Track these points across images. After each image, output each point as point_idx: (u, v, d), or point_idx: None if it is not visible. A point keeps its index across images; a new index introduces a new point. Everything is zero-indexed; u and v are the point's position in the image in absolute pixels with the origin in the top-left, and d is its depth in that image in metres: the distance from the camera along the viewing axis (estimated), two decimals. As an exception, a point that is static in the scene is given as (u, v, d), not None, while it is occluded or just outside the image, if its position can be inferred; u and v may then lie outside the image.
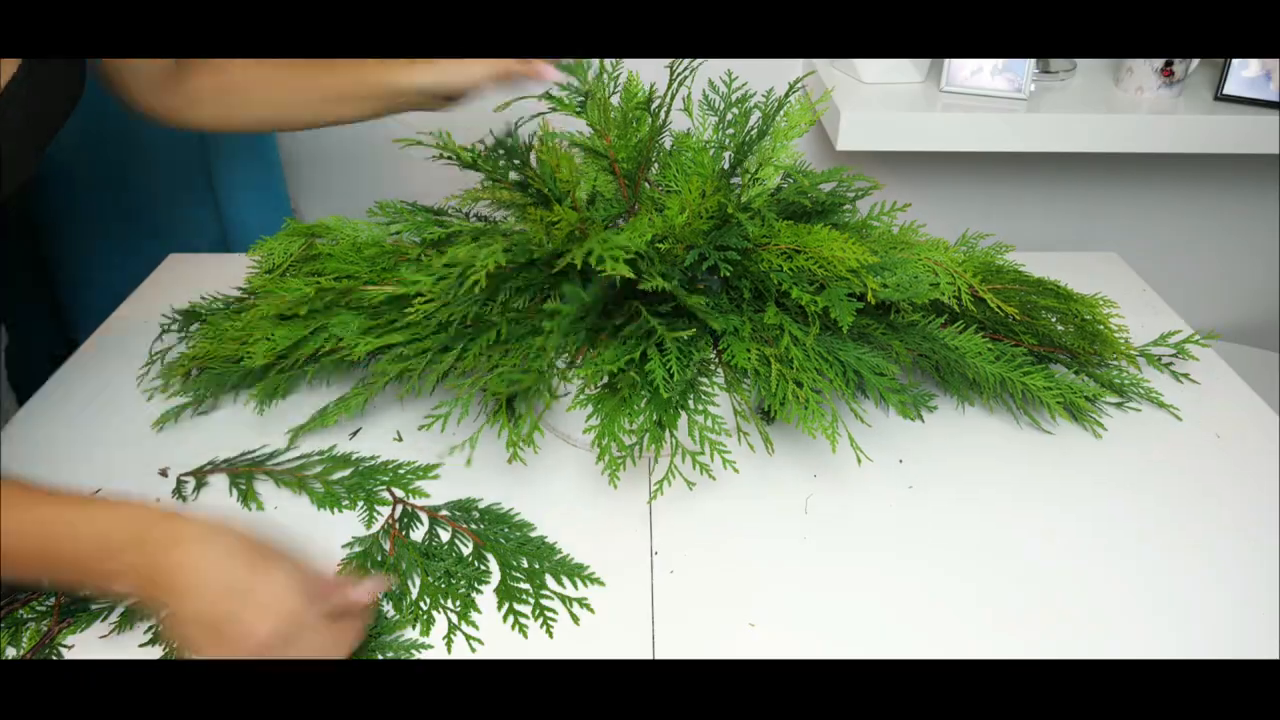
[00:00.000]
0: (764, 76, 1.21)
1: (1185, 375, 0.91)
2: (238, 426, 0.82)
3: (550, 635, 0.63)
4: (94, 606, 0.64)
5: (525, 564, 0.68)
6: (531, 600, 0.65)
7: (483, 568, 0.68)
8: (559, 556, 0.68)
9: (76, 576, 0.53)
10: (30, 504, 0.52)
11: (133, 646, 0.62)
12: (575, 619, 0.64)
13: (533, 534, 0.70)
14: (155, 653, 0.61)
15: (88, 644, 0.62)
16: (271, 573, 0.52)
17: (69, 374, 0.89)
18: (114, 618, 0.63)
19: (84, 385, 0.88)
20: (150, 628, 0.62)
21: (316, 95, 0.79)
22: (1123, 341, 0.87)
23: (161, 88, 0.79)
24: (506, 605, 0.64)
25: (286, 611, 0.51)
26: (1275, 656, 0.62)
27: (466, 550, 0.69)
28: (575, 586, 0.66)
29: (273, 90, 0.80)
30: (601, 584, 0.67)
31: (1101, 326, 0.85)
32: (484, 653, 0.62)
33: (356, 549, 0.68)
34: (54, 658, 0.61)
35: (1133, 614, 0.65)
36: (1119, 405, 0.86)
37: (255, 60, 0.80)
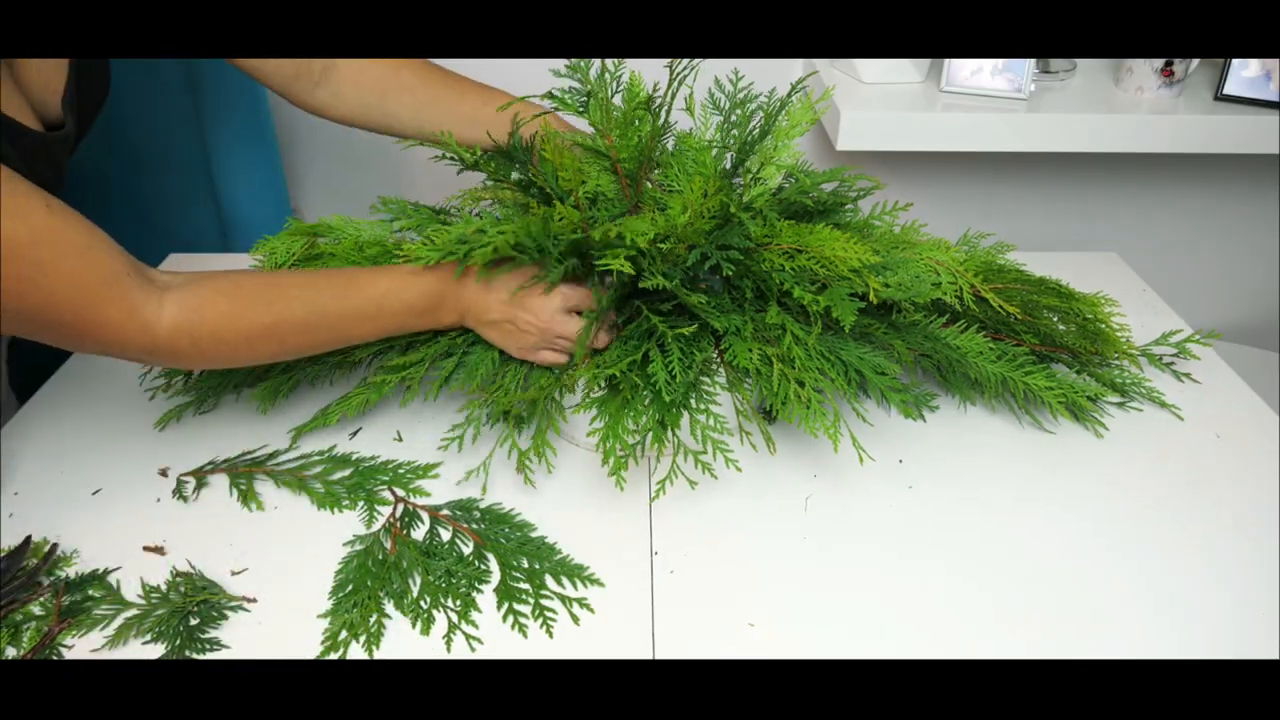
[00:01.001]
0: (764, 76, 1.21)
1: (1187, 375, 0.91)
2: (239, 426, 0.82)
3: (550, 635, 0.63)
4: (96, 612, 0.64)
5: (525, 564, 0.68)
6: (531, 600, 0.65)
7: (483, 567, 0.68)
8: (559, 557, 0.68)
9: (411, 329, 0.73)
10: (369, 283, 0.69)
11: (130, 649, 0.62)
12: (575, 619, 0.64)
13: (533, 534, 0.70)
14: (155, 653, 0.61)
15: (89, 644, 0.62)
16: (512, 278, 0.71)
17: (69, 374, 0.89)
18: (111, 629, 0.63)
19: (84, 385, 0.88)
20: (150, 640, 0.62)
21: (461, 115, 0.83)
22: (1124, 341, 0.87)
23: (301, 82, 0.81)
24: (506, 605, 0.64)
25: (549, 311, 0.71)
26: (1275, 656, 0.62)
27: (467, 550, 0.69)
28: (575, 587, 0.66)
29: (414, 99, 0.83)
30: (601, 584, 0.67)
31: (1103, 326, 0.85)
32: (484, 653, 0.62)
33: (358, 547, 0.68)
34: (54, 658, 0.61)
35: (1133, 614, 0.65)
36: (1120, 405, 0.86)
37: (403, 62, 0.83)
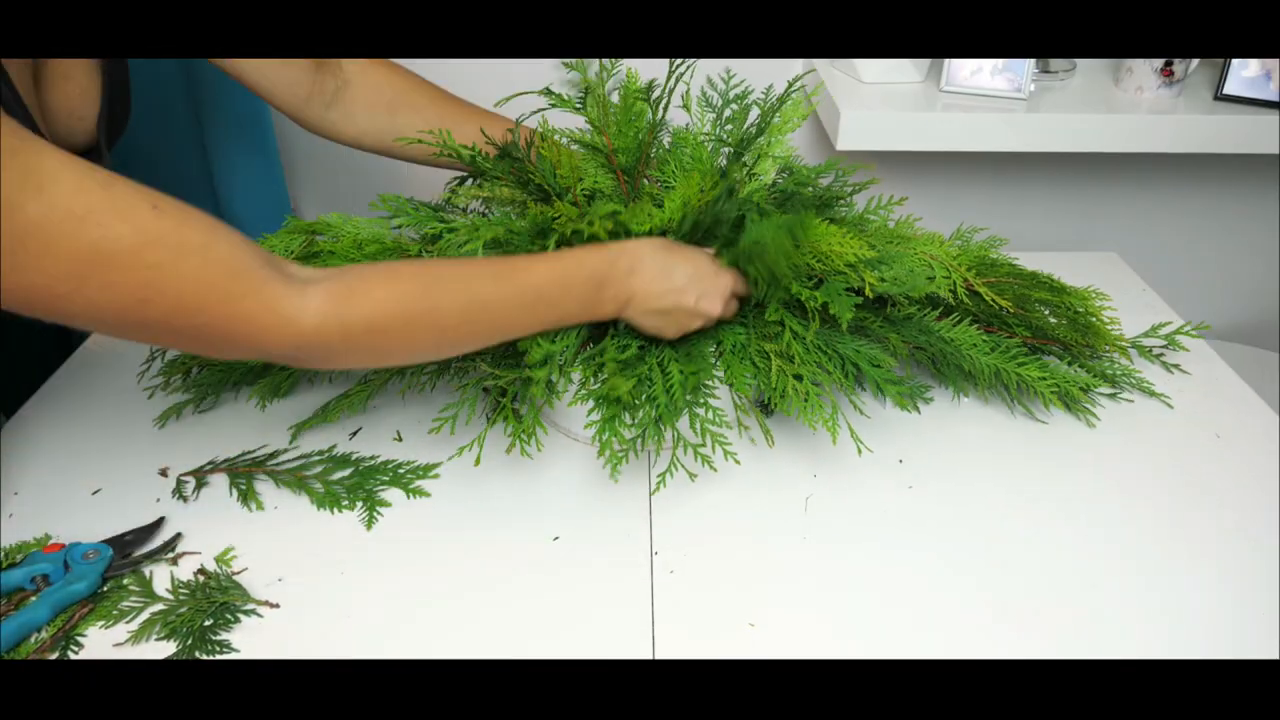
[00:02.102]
0: (765, 76, 1.21)
1: (1176, 366, 0.91)
2: (239, 424, 0.82)
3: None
4: (119, 607, 0.64)
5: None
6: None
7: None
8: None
9: (571, 319, 0.69)
10: (521, 280, 0.65)
11: (133, 648, 0.62)
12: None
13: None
14: (154, 653, 0.61)
15: (112, 636, 0.62)
16: (687, 263, 0.70)
17: (69, 373, 0.89)
18: (137, 623, 0.63)
19: (84, 385, 0.88)
20: (164, 635, 0.63)
21: (466, 138, 0.81)
22: (1114, 334, 0.87)
23: (314, 103, 0.80)
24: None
25: (700, 289, 0.70)
26: (1275, 656, 0.62)
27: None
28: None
29: (421, 121, 0.82)
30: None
31: (1094, 319, 0.86)
32: (484, 653, 0.62)
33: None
34: (72, 649, 0.62)
35: (1133, 614, 0.65)
36: (1112, 396, 0.86)
37: (415, 83, 0.83)
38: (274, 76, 0.78)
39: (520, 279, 0.65)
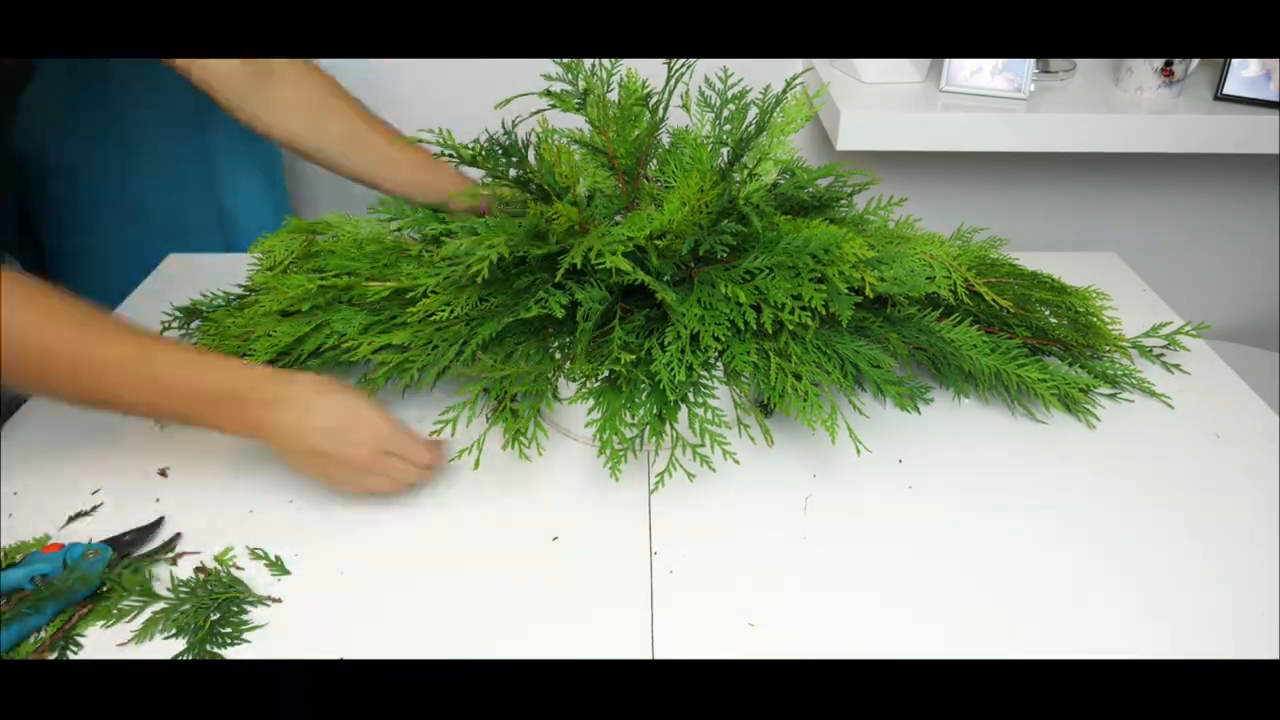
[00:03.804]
0: (764, 75, 1.21)
1: (1176, 366, 0.91)
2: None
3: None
4: (120, 606, 0.64)
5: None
6: None
7: None
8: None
9: (190, 420, 0.65)
10: (149, 356, 0.63)
11: (137, 647, 0.62)
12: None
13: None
14: (158, 652, 0.61)
15: (115, 636, 0.62)
16: (365, 415, 0.68)
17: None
18: (138, 623, 0.63)
19: (84, 384, 0.88)
20: (170, 633, 0.63)
21: (385, 155, 0.84)
22: (1115, 334, 0.88)
23: (243, 90, 0.82)
24: None
25: (375, 444, 0.68)
26: (1275, 656, 0.62)
27: None
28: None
29: (344, 125, 0.84)
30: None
31: (1094, 319, 0.86)
32: (484, 653, 0.62)
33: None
34: (72, 649, 0.62)
35: (1133, 614, 0.65)
36: (1112, 396, 0.86)
37: (341, 95, 0.85)
38: (211, 68, 0.80)
39: (145, 348, 0.63)
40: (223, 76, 0.81)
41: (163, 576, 0.67)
